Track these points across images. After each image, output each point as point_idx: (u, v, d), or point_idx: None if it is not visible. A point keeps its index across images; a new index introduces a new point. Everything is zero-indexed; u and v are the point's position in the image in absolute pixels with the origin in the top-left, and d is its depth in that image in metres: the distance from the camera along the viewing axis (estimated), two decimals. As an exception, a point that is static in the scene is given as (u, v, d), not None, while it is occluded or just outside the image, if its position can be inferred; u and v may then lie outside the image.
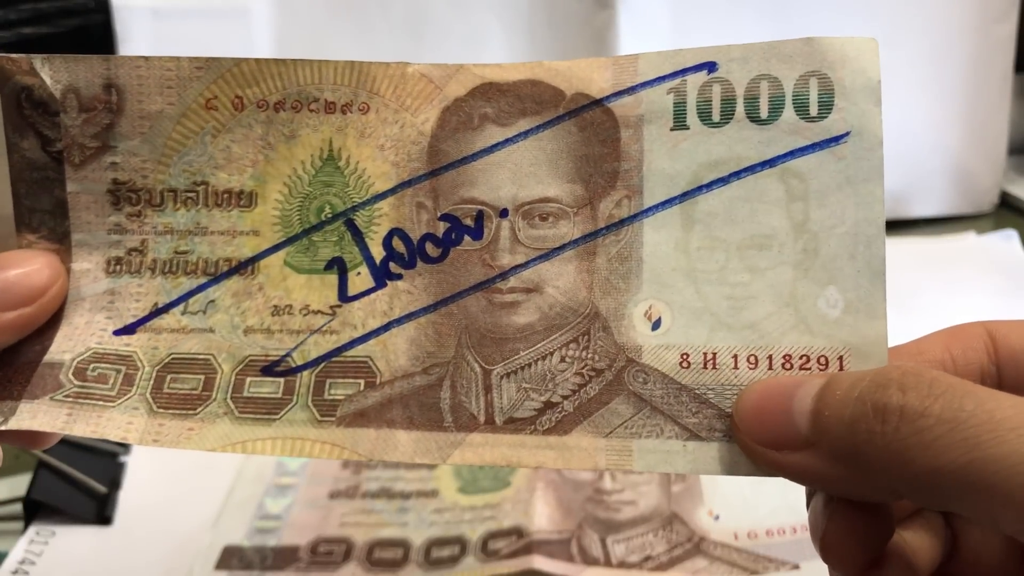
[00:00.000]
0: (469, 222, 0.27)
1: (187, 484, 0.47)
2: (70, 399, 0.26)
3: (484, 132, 0.27)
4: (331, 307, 0.27)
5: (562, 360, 0.26)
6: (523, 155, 0.27)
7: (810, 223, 0.25)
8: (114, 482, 0.47)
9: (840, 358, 0.25)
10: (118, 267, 0.28)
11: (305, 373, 0.27)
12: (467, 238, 0.27)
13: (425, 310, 0.27)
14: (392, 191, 0.27)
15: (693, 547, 0.42)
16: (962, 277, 0.62)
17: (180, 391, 0.26)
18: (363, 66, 0.27)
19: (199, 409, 0.26)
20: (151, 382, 0.27)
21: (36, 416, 0.26)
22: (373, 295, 0.27)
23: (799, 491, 0.43)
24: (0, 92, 0.27)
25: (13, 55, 0.27)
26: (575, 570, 0.40)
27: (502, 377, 0.26)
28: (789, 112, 0.25)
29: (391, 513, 0.45)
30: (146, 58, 0.27)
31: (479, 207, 0.27)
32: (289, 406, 0.26)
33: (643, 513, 0.43)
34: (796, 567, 0.40)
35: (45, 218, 0.27)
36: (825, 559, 0.24)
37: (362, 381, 0.26)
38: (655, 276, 0.26)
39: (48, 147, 0.27)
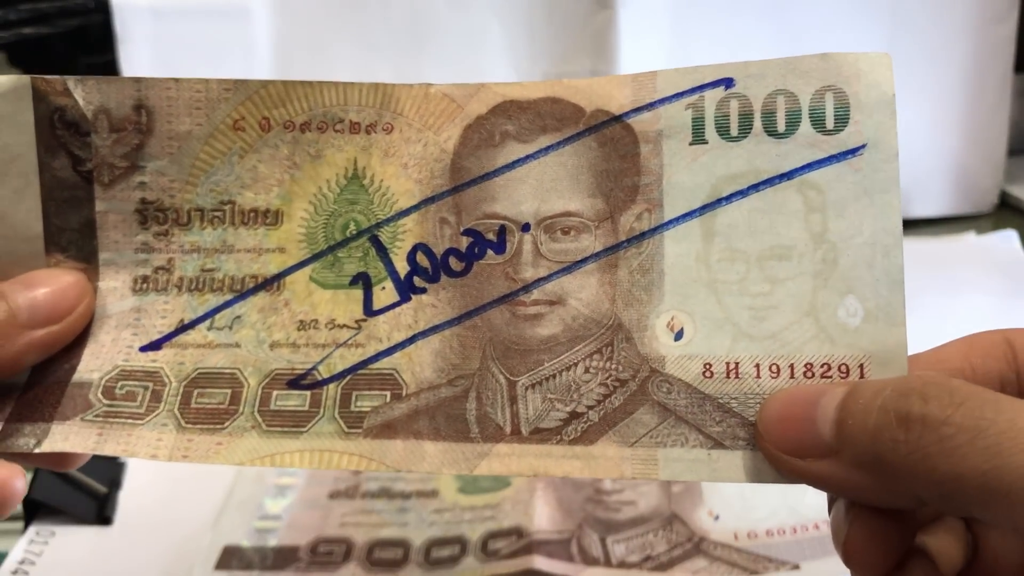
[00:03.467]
0: (492, 236, 0.27)
1: (187, 484, 0.47)
2: (100, 419, 0.26)
3: (505, 149, 0.27)
4: (356, 321, 0.27)
5: (586, 371, 0.26)
6: (544, 171, 0.27)
7: (828, 234, 0.25)
8: (114, 482, 0.47)
9: (861, 366, 0.25)
10: (145, 285, 0.28)
11: (331, 386, 0.27)
12: (490, 252, 0.27)
13: (450, 323, 0.27)
14: (416, 207, 0.27)
15: (693, 547, 0.42)
16: (962, 277, 0.62)
17: (207, 406, 0.27)
18: (387, 88, 0.27)
19: (227, 423, 0.26)
20: (178, 397, 0.27)
21: (68, 438, 0.26)
22: (398, 309, 0.27)
23: (799, 492, 0.44)
24: (34, 112, 0.27)
25: (48, 76, 0.27)
26: (575, 570, 0.40)
27: (527, 388, 0.26)
28: (806, 126, 0.26)
29: (391, 513, 0.45)
30: (176, 80, 0.27)
31: (501, 222, 0.27)
32: (316, 419, 0.26)
33: (643, 513, 0.44)
34: (796, 567, 0.40)
35: (74, 237, 0.28)
36: (847, 564, 0.24)
37: (388, 393, 0.27)
38: (677, 287, 0.26)
39: (79, 167, 0.28)
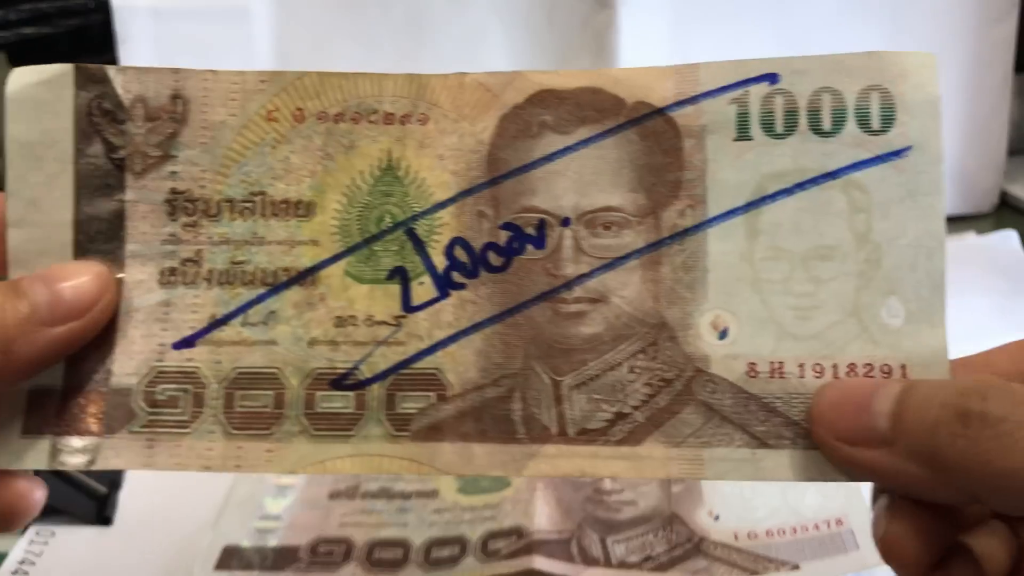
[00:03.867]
0: (531, 231, 0.27)
1: (187, 484, 0.47)
2: (147, 429, 0.26)
3: (543, 140, 0.27)
4: (395, 317, 0.27)
5: (631, 371, 0.26)
6: (584, 163, 0.27)
7: (873, 234, 0.26)
8: (114, 482, 0.47)
9: (903, 367, 0.25)
10: (172, 278, 0.27)
11: (375, 386, 0.26)
12: (530, 247, 0.27)
13: (490, 320, 0.27)
14: (452, 200, 0.27)
15: (693, 547, 0.42)
16: (962, 277, 0.62)
17: (252, 409, 0.26)
18: (422, 78, 0.27)
19: (273, 428, 0.26)
20: (221, 400, 0.26)
21: (120, 453, 0.26)
22: (437, 305, 0.27)
23: (799, 492, 0.44)
24: (74, 101, 0.27)
25: (89, 65, 0.27)
26: (575, 570, 0.40)
27: (572, 388, 0.26)
28: (852, 125, 0.26)
29: (391, 513, 0.45)
30: (214, 72, 0.27)
31: (540, 216, 0.27)
32: (362, 421, 0.26)
33: (643, 513, 0.43)
34: (796, 567, 0.40)
35: (102, 226, 0.27)
36: (885, 558, 0.24)
37: (433, 394, 0.26)
38: (721, 286, 0.26)
39: (112, 154, 0.27)
